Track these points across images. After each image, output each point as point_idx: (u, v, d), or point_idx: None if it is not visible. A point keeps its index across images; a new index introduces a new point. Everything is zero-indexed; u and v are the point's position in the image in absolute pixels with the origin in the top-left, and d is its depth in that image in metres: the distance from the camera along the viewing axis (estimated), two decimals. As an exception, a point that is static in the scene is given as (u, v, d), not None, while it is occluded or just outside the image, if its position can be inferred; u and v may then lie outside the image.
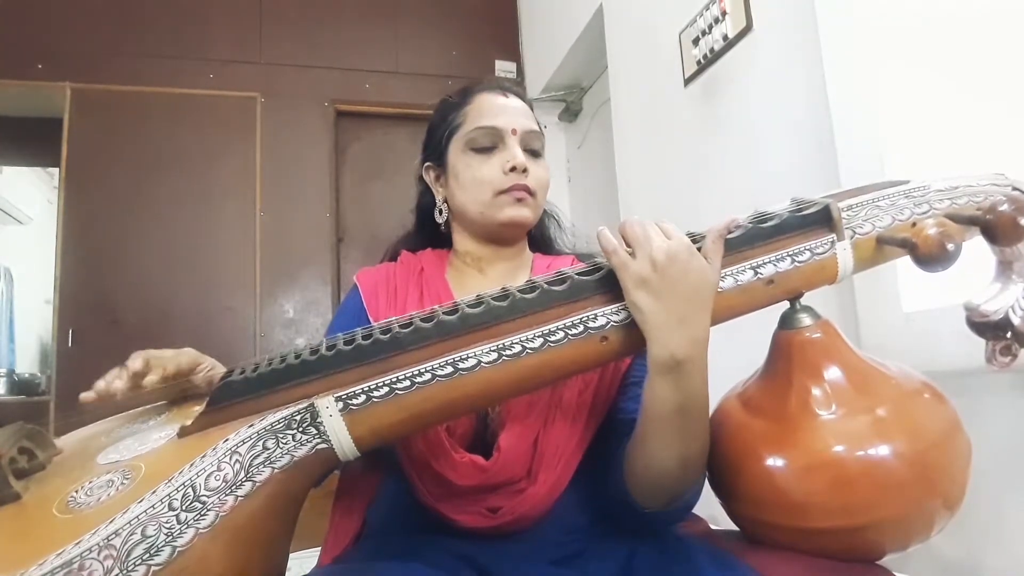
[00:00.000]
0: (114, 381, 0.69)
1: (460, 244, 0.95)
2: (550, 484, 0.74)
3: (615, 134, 2.53)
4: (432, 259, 0.94)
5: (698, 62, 1.93)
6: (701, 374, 0.61)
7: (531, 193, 0.88)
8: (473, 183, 0.88)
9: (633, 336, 0.62)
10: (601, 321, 0.61)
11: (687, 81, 2.01)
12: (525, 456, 0.74)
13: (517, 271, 0.93)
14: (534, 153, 0.91)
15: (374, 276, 0.92)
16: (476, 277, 0.91)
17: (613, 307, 0.62)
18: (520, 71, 3.67)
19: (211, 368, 0.76)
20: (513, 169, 0.86)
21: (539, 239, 1.01)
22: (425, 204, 0.99)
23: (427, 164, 0.97)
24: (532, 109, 0.95)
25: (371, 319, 0.84)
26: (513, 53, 3.70)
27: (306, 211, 3.23)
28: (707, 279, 0.60)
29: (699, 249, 0.61)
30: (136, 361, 0.69)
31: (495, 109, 0.90)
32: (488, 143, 0.88)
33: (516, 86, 0.96)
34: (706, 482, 0.71)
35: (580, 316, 0.61)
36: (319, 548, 0.83)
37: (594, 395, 0.78)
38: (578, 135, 3.45)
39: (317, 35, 3.41)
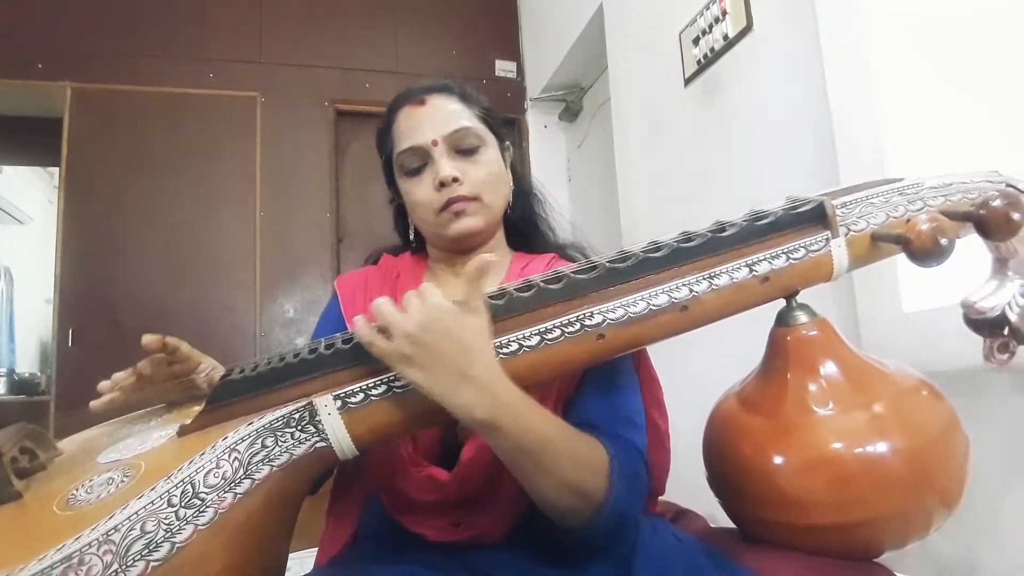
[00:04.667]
0: (116, 375, 0.71)
1: (432, 253, 0.94)
2: (512, 498, 0.72)
3: (615, 134, 2.53)
4: (411, 265, 0.94)
5: (698, 62, 1.93)
6: (518, 416, 0.60)
7: (471, 199, 0.85)
8: (415, 207, 0.88)
9: (631, 331, 0.62)
10: (598, 319, 0.62)
11: (687, 81, 2.01)
12: (486, 469, 0.73)
13: (493, 273, 0.89)
14: (468, 151, 0.86)
15: (352, 282, 0.92)
16: (453, 282, 0.90)
17: (610, 304, 0.62)
18: (520, 71, 3.67)
19: (212, 369, 0.77)
20: (442, 184, 0.83)
21: (521, 227, 0.97)
22: (401, 225, 0.99)
23: (392, 188, 0.96)
24: (468, 98, 0.90)
25: (349, 327, 0.84)
26: (513, 53, 3.69)
27: (306, 211, 3.23)
28: (472, 327, 0.59)
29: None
30: (144, 364, 0.73)
31: (412, 126, 0.86)
32: (416, 164, 0.86)
33: (439, 82, 0.91)
34: (705, 481, 0.71)
35: (576, 314, 0.62)
36: (318, 548, 0.83)
37: (555, 404, 0.76)
38: (578, 135, 3.45)
39: (317, 35, 3.41)
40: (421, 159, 0.86)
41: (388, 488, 0.74)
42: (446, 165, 0.84)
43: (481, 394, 0.58)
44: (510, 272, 0.91)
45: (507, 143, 0.94)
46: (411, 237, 0.95)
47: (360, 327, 0.60)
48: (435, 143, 0.84)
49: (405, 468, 0.73)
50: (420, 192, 0.86)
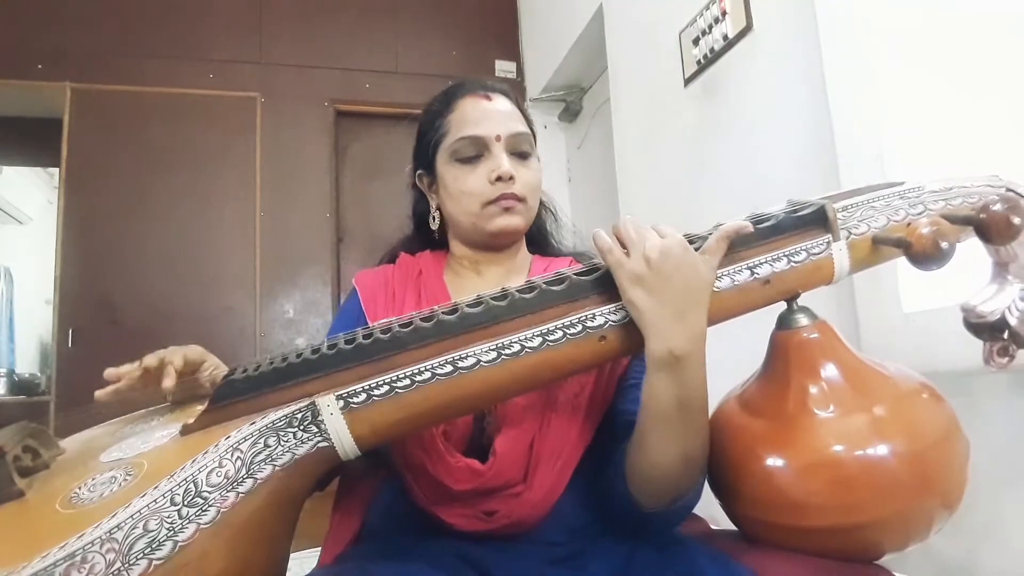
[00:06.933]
0: (122, 367, 0.71)
1: (456, 249, 0.94)
2: (546, 488, 0.74)
3: (615, 134, 2.53)
4: (430, 261, 0.94)
5: (698, 62, 1.93)
6: (700, 370, 0.61)
7: (520, 199, 0.87)
8: (461, 195, 0.87)
9: (631, 335, 0.62)
10: (599, 320, 0.62)
11: (687, 81, 2.01)
12: (521, 460, 0.74)
13: (514, 273, 0.92)
14: (522, 155, 0.89)
15: (372, 279, 0.92)
16: (474, 279, 0.91)
17: (611, 306, 0.62)
18: (520, 71, 3.68)
19: (215, 368, 0.77)
20: (499, 179, 0.85)
21: (536, 237, 0.99)
22: (420, 211, 0.99)
23: (419, 172, 0.96)
24: (520, 106, 0.93)
25: (369, 322, 0.84)
26: (513, 53, 3.70)
27: (306, 211, 3.24)
28: (702, 275, 0.60)
29: (697, 248, 0.62)
30: (151, 358, 0.73)
31: (478, 116, 0.88)
32: (473, 153, 0.86)
33: (500, 83, 0.94)
34: (706, 482, 0.72)
35: (578, 315, 0.62)
36: (319, 548, 0.83)
37: (590, 397, 0.78)
38: (578, 135, 3.45)
39: (317, 35, 3.41)
40: (478, 150, 0.87)
41: (423, 477, 0.75)
42: (506, 161, 0.86)
43: (686, 339, 0.59)
44: (532, 272, 0.92)
45: (538, 157, 0.96)
46: (434, 227, 0.95)
47: (601, 236, 0.62)
48: (499, 138, 0.86)
49: (442, 457, 0.73)
50: (473, 182, 0.86)
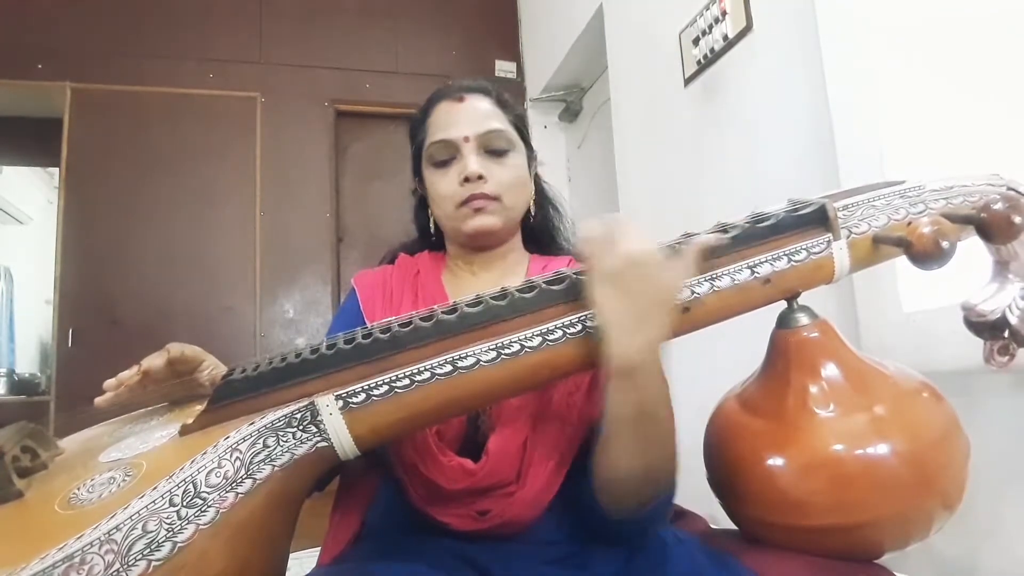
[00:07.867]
0: (121, 374, 0.72)
1: (451, 250, 0.95)
2: (539, 487, 0.74)
3: (615, 134, 2.53)
4: (428, 262, 0.94)
5: (698, 62, 1.93)
6: (657, 379, 0.61)
7: (492, 198, 0.87)
8: (437, 198, 0.89)
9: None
10: (600, 320, 0.62)
11: (687, 81, 2.01)
12: (514, 459, 0.74)
13: (511, 273, 0.92)
14: (497, 153, 0.88)
15: (371, 279, 0.93)
16: (470, 280, 0.92)
17: (612, 306, 0.62)
18: (520, 71, 3.68)
19: (214, 367, 0.77)
20: (467, 180, 0.86)
21: (538, 235, 0.99)
22: (421, 217, 1.00)
23: (416, 179, 0.97)
24: (504, 103, 0.93)
25: (367, 322, 0.85)
26: (513, 53, 3.70)
27: (306, 211, 3.24)
28: (672, 286, 0.60)
29: (671, 256, 0.62)
30: (148, 360, 0.73)
31: (448, 119, 0.89)
32: (445, 156, 0.88)
33: (481, 83, 0.94)
34: (706, 482, 0.72)
35: (579, 315, 0.62)
36: (319, 548, 0.83)
37: (585, 397, 0.78)
38: (578, 135, 3.45)
39: (317, 35, 3.41)
40: (450, 153, 0.88)
41: (416, 477, 0.75)
42: (474, 162, 0.86)
43: (638, 348, 0.59)
44: (529, 272, 0.92)
45: (535, 153, 0.97)
46: (431, 230, 0.97)
47: (587, 226, 0.62)
48: (467, 139, 0.87)
49: (435, 457, 0.73)
50: (444, 184, 0.87)
